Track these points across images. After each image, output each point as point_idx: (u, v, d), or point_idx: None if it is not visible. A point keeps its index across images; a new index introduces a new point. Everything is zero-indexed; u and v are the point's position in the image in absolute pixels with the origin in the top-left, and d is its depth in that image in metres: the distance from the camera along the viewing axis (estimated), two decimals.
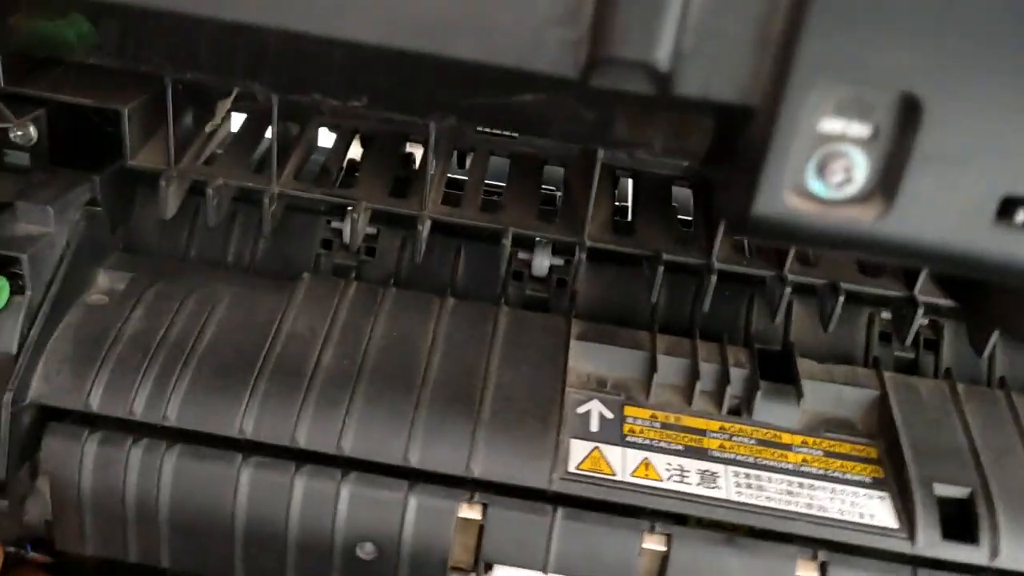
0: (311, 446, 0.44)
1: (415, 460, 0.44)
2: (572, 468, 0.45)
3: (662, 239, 0.50)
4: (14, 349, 0.44)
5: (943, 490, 0.45)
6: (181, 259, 0.53)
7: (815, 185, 0.26)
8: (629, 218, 0.55)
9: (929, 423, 0.48)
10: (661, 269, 0.48)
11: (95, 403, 0.44)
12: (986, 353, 0.49)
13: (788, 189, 0.26)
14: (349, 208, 0.54)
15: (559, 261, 0.54)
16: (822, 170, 0.26)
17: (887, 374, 0.51)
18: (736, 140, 0.27)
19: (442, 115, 0.40)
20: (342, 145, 0.54)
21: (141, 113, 0.49)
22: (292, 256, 0.54)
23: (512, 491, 0.45)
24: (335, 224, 0.54)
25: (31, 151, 0.48)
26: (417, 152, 0.57)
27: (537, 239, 0.52)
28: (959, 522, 0.45)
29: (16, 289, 0.44)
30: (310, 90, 0.37)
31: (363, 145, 0.55)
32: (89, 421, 0.45)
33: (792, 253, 0.49)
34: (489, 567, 0.45)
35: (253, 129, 0.54)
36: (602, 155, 0.46)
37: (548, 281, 0.54)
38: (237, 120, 0.57)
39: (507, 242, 0.49)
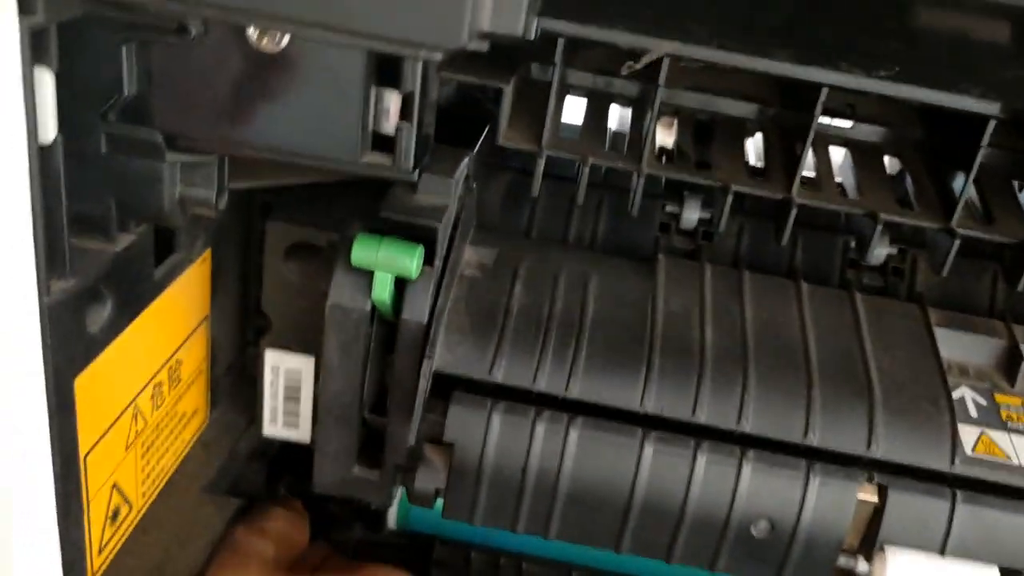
0: (711, 422, 0.45)
1: (815, 440, 0.44)
2: (969, 452, 0.45)
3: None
4: (425, 319, 0.45)
5: None
6: (524, 236, 0.54)
7: None
8: None
9: None
10: None
11: (500, 375, 0.45)
12: None
13: None
14: (686, 192, 0.55)
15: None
16: None
17: None
18: None
19: None
20: (689, 132, 0.54)
21: (515, 94, 0.49)
22: (631, 238, 0.55)
23: (907, 473, 0.45)
24: (670, 208, 0.55)
25: None
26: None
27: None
28: None
29: (427, 259, 0.44)
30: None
31: (700, 132, 0.55)
32: (488, 392, 0.45)
33: None
34: (879, 549, 0.45)
35: (594, 113, 0.55)
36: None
37: (884, 270, 0.55)
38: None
39: (882, 234, 0.49)
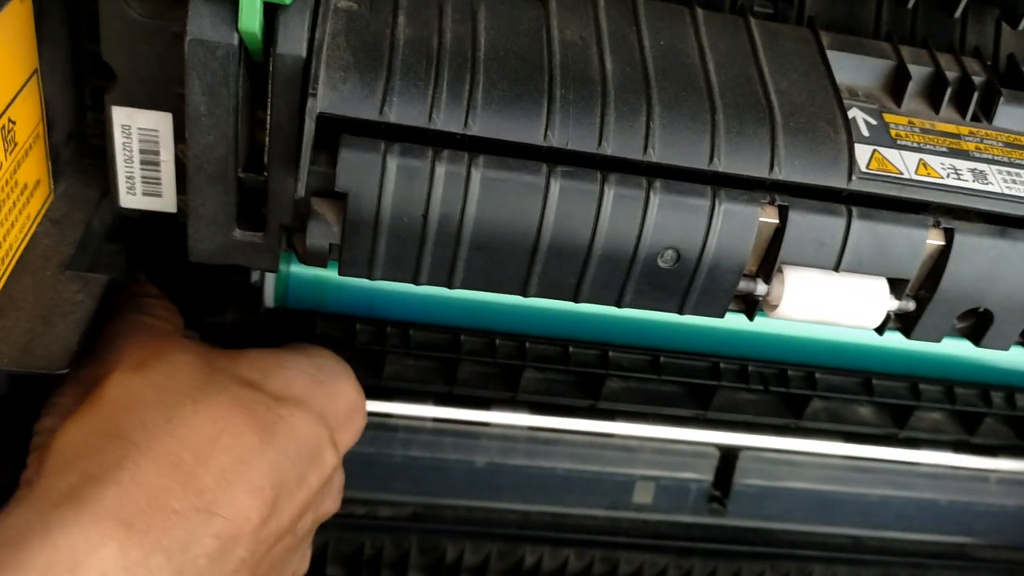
0: (618, 153, 0.43)
1: (721, 165, 0.44)
2: (864, 168, 0.45)
3: None
4: (303, 52, 0.39)
5: None
6: None
7: None
8: None
9: None
10: None
11: (392, 114, 0.41)
12: None
13: None
14: None
15: None
16: None
17: None
18: None
19: None
20: None
21: None
22: None
23: (806, 193, 0.45)
24: None
25: None
26: None
27: None
28: None
29: None
30: None
31: None
32: (379, 135, 0.41)
33: None
34: (778, 271, 0.46)
35: None
36: None
37: None
38: None
39: None
